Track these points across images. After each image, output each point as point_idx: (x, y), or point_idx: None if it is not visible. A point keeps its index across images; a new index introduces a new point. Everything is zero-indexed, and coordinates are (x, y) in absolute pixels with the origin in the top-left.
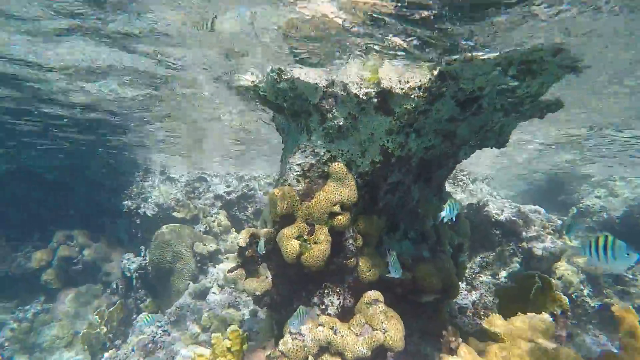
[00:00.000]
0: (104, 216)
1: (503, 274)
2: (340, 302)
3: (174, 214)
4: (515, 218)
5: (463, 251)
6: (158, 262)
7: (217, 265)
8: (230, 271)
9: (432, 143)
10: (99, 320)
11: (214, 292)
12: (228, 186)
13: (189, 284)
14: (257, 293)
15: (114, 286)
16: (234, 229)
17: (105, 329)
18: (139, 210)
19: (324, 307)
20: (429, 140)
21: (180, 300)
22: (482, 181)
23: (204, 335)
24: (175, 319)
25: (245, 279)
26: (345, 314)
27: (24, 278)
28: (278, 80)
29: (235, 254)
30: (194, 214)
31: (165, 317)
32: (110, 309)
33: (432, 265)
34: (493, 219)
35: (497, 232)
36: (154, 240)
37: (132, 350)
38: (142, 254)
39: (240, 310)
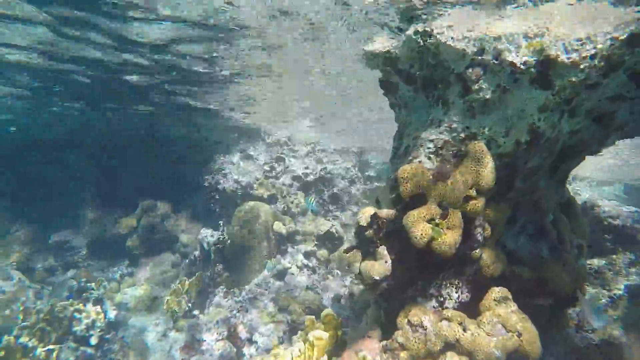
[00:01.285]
0: (183, 190)
1: (619, 285)
2: (458, 296)
3: (252, 191)
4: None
5: (583, 254)
6: (237, 239)
7: (295, 247)
8: (346, 251)
9: (581, 126)
10: (181, 289)
11: (292, 273)
12: (306, 168)
13: (266, 262)
14: (376, 277)
15: (192, 258)
16: (311, 212)
17: (186, 298)
18: (219, 186)
19: (441, 299)
20: (578, 122)
21: (259, 278)
22: (582, 180)
23: (280, 315)
24: (253, 296)
25: (362, 261)
26: (464, 310)
27: (113, 242)
28: (421, 43)
29: (353, 233)
30: (272, 194)
31: (244, 293)
32: (191, 280)
33: (560, 266)
34: (605, 222)
35: (609, 236)
36: (234, 216)
37: (216, 323)
38: (221, 229)
39: (319, 294)
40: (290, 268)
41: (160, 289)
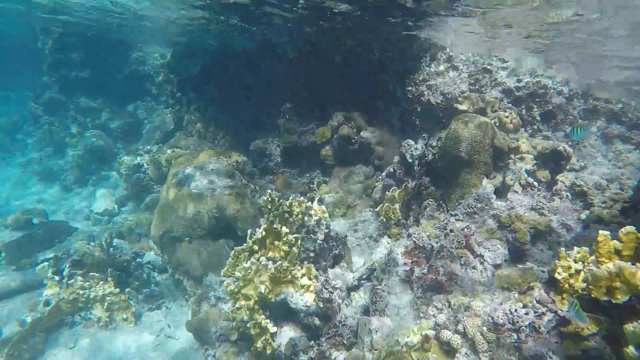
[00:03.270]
0: (379, 101)
1: None
2: None
3: (457, 105)
4: None
5: None
6: (451, 152)
7: (517, 163)
8: None
9: None
10: (395, 197)
11: (515, 191)
12: (519, 80)
13: (483, 178)
14: None
15: (391, 170)
16: (523, 129)
17: (399, 205)
18: (422, 98)
19: None
20: None
21: (480, 193)
22: None
23: (500, 232)
24: (472, 211)
25: None
26: None
27: (306, 150)
28: None
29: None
30: (480, 107)
31: (460, 207)
32: (400, 190)
33: None
34: None
35: None
36: (450, 127)
37: (450, 231)
38: (427, 141)
39: (546, 216)
40: (513, 185)
41: (353, 197)
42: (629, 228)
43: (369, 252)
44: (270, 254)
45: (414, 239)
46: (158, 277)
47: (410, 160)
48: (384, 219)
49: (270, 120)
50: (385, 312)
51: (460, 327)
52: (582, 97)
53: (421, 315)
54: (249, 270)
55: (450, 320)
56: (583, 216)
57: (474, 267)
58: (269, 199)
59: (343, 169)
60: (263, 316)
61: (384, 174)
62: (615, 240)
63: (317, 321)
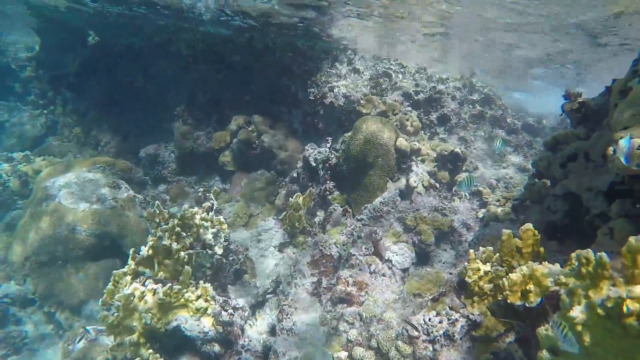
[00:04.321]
0: (280, 105)
1: None
2: None
3: (359, 108)
4: None
5: None
6: (355, 154)
7: (419, 165)
8: None
9: None
10: (299, 204)
11: (419, 193)
12: (417, 85)
13: (387, 181)
14: None
15: (294, 175)
16: (422, 132)
17: (303, 213)
18: (325, 100)
19: None
20: None
21: (385, 196)
22: None
23: (405, 235)
24: (378, 214)
25: None
26: None
27: (204, 157)
28: None
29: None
30: (382, 110)
31: (366, 211)
32: (304, 195)
33: None
34: None
35: None
36: (353, 130)
37: (358, 238)
38: (330, 145)
39: (447, 215)
40: (417, 187)
41: (255, 205)
42: (528, 226)
43: (274, 264)
44: (161, 274)
45: (320, 248)
46: (20, 313)
47: (314, 165)
48: (289, 228)
49: (164, 125)
50: (293, 331)
51: (373, 342)
52: (470, 102)
53: (331, 331)
54: (131, 298)
55: (363, 336)
56: (480, 214)
57: (383, 275)
58: (156, 212)
59: (244, 175)
60: (151, 350)
61: (287, 179)
62: (516, 239)
63: (217, 348)
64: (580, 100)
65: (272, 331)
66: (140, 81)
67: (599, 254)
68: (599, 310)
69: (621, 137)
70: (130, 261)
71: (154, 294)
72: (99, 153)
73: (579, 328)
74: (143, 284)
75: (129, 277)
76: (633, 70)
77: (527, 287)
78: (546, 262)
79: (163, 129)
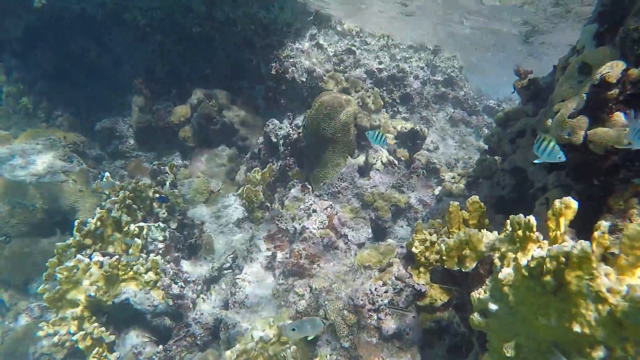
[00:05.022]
0: (242, 80)
1: None
2: None
3: (322, 84)
4: None
5: None
6: (315, 130)
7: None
8: (571, 116)
9: None
10: (257, 178)
11: (377, 169)
12: (380, 62)
13: (347, 157)
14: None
15: (255, 151)
16: (384, 110)
17: (262, 188)
18: (287, 75)
19: None
20: None
21: (343, 172)
22: None
23: (363, 211)
24: (336, 190)
25: (592, 128)
26: None
27: (164, 131)
28: None
29: (587, 90)
30: (344, 87)
31: (324, 187)
32: (264, 170)
33: None
34: None
35: None
36: (314, 106)
37: (313, 212)
38: (292, 120)
39: (405, 192)
40: (376, 164)
41: (216, 182)
42: (474, 198)
43: (232, 240)
44: (111, 248)
45: (277, 222)
46: None
47: (275, 141)
48: (246, 203)
49: (121, 99)
50: (245, 304)
51: (321, 312)
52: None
53: (282, 303)
54: (74, 270)
55: (312, 307)
56: (436, 192)
57: (336, 248)
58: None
59: (205, 151)
60: (96, 324)
61: (248, 155)
62: (463, 211)
63: (167, 321)
64: (530, 77)
65: (226, 305)
66: (94, 51)
67: (527, 217)
68: (523, 271)
69: (559, 109)
70: (75, 232)
71: (100, 267)
72: (50, 126)
73: (506, 289)
74: (89, 257)
75: (73, 250)
76: (572, 47)
77: (464, 252)
78: (485, 230)
79: (121, 103)
